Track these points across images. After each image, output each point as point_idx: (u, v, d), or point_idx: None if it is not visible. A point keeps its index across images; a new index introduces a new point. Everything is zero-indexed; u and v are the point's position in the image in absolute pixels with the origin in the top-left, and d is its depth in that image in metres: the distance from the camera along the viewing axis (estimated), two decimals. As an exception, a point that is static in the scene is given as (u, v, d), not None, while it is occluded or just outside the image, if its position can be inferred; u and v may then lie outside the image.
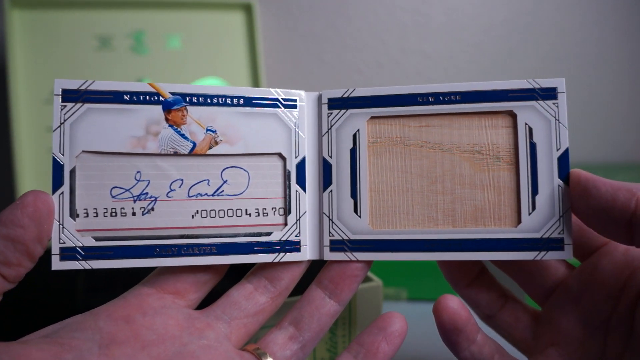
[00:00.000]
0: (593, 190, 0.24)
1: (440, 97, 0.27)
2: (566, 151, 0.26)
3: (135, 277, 0.28)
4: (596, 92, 0.74)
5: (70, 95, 0.25)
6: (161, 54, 0.63)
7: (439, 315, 0.27)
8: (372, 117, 0.28)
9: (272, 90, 0.28)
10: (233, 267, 0.28)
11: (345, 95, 0.28)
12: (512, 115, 0.27)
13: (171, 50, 0.64)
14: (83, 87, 0.26)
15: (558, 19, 0.72)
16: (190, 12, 0.64)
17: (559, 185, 0.26)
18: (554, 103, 0.26)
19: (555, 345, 0.27)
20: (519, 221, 0.26)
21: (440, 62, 0.72)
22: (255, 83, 0.66)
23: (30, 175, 0.58)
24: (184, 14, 0.64)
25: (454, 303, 0.27)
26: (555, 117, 0.26)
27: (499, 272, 0.31)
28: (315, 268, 0.29)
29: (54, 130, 0.25)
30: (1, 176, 0.64)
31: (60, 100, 0.25)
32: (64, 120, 0.25)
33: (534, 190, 0.26)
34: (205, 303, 0.28)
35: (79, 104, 0.25)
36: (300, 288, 0.29)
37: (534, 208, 0.26)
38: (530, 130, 0.26)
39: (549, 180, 0.26)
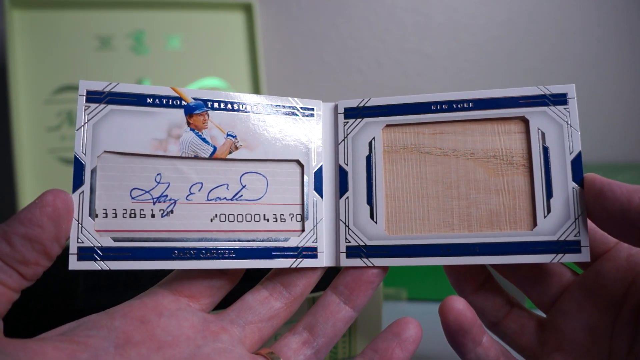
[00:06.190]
0: (609, 192, 0.24)
1: (453, 105, 0.28)
2: (579, 154, 0.26)
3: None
4: (596, 92, 0.74)
5: (94, 97, 0.26)
6: (161, 54, 0.63)
7: (444, 316, 0.26)
8: (387, 125, 0.29)
9: (290, 99, 0.29)
10: (248, 272, 0.28)
11: (361, 105, 0.29)
12: (525, 121, 0.27)
13: (171, 50, 0.64)
14: (107, 89, 0.26)
15: (558, 19, 0.72)
16: (190, 12, 0.65)
17: (573, 188, 0.26)
18: (565, 108, 0.27)
19: (560, 351, 0.27)
20: (534, 224, 0.26)
21: (440, 62, 0.72)
22: (255, 83, 0.66)
23: (30, 175, 0.57)
24: (184, 14, 0.64)
25: (460, 304, 0.26)
26: (567, 122, 0.27)
27: (502, 280, 0.31)
28: (327, 275, 0.29)
29: (77, 130, 0.26)
30: (1, 176, 0.63)
31: (85, 101, 0.26)
32: (87, 120, 0.26)
33: (549, 194, 0.26)
34: (219, 307, 0.28)
35: (103, 105, 0.26)
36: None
37: (549, 211, 0.26)
38: (543, 134, 0.27)
39: (563, 183, 0.26)
